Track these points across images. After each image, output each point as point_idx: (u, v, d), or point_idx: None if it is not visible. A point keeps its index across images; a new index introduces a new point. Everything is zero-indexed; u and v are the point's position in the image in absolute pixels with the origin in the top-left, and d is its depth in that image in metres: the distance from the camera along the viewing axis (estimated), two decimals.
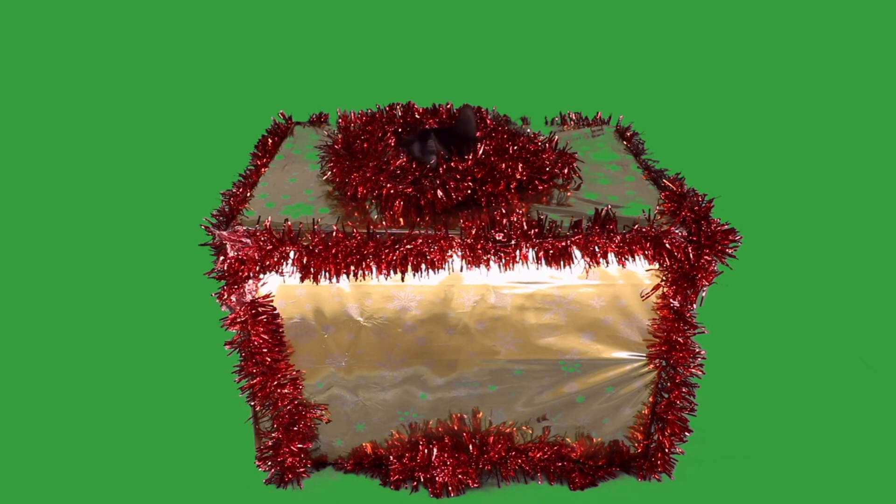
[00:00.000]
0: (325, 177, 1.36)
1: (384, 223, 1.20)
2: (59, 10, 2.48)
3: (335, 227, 1.17)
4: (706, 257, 1.18)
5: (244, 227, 1.17)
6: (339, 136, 1.44)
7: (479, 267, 1.19)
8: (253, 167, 1.47)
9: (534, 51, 2.55)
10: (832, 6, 2.55)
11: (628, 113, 1.70)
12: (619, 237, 1.18)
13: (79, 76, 2.51)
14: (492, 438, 1.38)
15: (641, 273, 1.23)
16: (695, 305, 1.25)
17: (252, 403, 1.32)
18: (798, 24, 2.56)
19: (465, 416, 1.38)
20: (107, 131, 2.51)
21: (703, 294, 1.23)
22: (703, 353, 1.29)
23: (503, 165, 1.29)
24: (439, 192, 1.23)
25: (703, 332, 1.27)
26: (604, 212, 1.21)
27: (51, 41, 2.49)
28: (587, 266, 1.20)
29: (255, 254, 1.17)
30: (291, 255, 1.17)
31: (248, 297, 1.22)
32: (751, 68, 2.59)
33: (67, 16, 2.49)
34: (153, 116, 2.51)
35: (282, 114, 1.71)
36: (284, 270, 1.19)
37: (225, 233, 1.16)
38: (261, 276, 1.21)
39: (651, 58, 2.57)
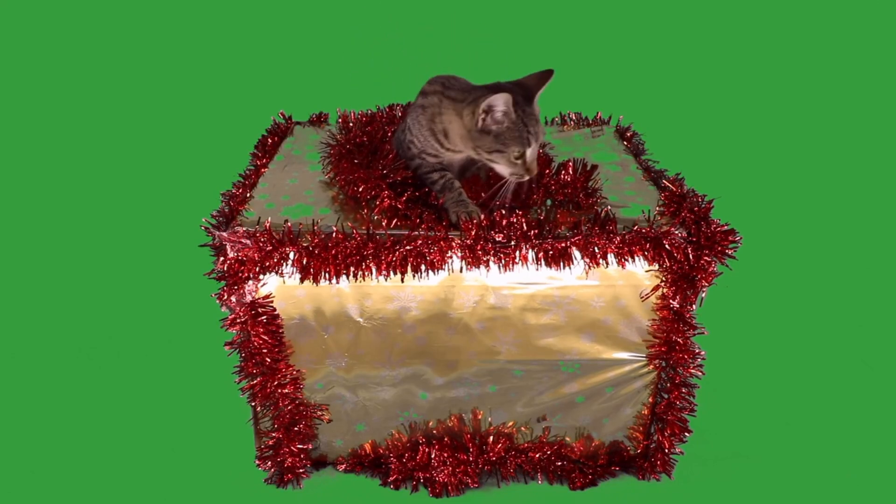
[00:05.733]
0: (326, 174, 1.36)
1: (384, 223, 1.20)
2: (60, 11, 2.48)
3: (335, 228, 1.17)
4: (706, 258, 1.18)
5: (244, 228, 1.17)
6: (341, 135, 1.44)
7: (478, 268, 1.19)
8: (253, 167, 1.47)
9: (533, 51, 2.55)
10: (832, 6, 2.54)
11: (628, 113, 1.70)
12: (618, 238, 1.18)
13: (80, 77, 2.51)
14: (491, 438, 1.38)
15: (641, 274, 1.23)
16: (694, 306, 1.25)
17: (252, 404, 1.32)
18: (797, 24, 2.56)
19: (465, 416, 1.38)
20: (107, 132, 2.51)
21: (703, 295, 1.23)
22: (702, 353, 1.29)
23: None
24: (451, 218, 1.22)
25: (703, 333, 1.27)
26: (603, 213, 1.21)
27: (51, 42, 2.49)
28: (587, 267, 1.20)
29: (255, 254, 1.17)
30: (291, 255, 1.17)
31: (248, 298, 1.22)
32: (750, 69, 2.59)
33: (68, 17, 2.49)
34: (153, 117, 2.51)
35: (282, 114, 1.71)
36: (284, 271, 1.19)
37: (225, 233, 1.16)
38: (261, 276, 1.20)
39: (651, 58, 2.56)
